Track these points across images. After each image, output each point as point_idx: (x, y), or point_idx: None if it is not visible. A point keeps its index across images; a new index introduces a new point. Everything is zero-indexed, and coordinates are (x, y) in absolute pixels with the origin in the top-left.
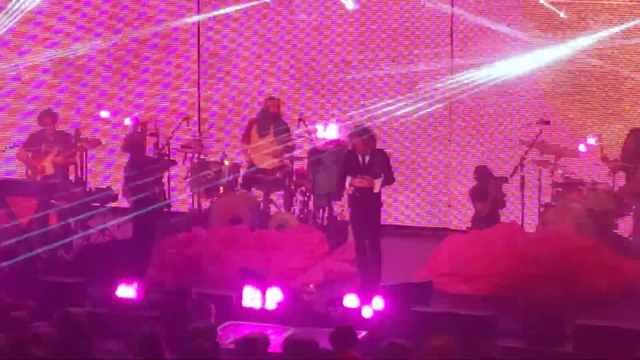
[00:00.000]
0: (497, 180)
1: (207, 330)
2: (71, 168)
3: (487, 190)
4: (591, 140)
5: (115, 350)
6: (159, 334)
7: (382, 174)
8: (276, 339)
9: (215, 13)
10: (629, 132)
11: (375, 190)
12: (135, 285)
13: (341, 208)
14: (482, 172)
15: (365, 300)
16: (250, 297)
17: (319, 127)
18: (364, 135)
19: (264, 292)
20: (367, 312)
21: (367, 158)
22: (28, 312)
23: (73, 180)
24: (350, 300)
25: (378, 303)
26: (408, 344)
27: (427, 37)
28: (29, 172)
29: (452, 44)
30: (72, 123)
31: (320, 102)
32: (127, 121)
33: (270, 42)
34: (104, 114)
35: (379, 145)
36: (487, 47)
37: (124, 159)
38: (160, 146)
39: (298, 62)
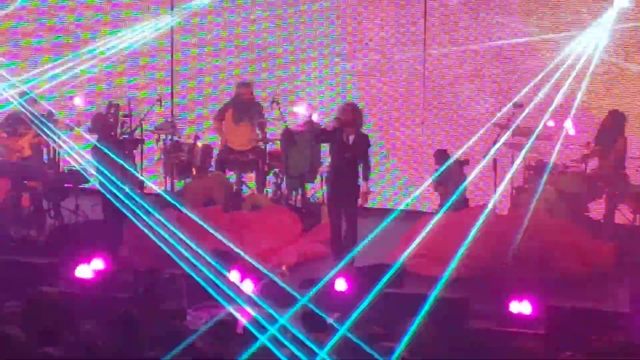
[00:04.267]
0: (457, 163)
1: (178, 312)
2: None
3: (448, 174)
4: (568, 124)
5: (89, 330)
6: (136, 314)
7: (361, 159)
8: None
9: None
10: (608, 113)
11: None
12: (107, 266)
13: (313, 190)
14: (441, 156)
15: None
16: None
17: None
18: (356, 109)
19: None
20: (338, 294)
21: (351, 138)
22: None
23: (46, 162)
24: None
25: (343, 284)
26: (380, 329)
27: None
28: (4, 152)
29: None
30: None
31: (292, 84)
32: (77, 101)
33: (242, 23)
34: (77, 101)
35: None
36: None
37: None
38: (130, 127)
39: (268, 42)
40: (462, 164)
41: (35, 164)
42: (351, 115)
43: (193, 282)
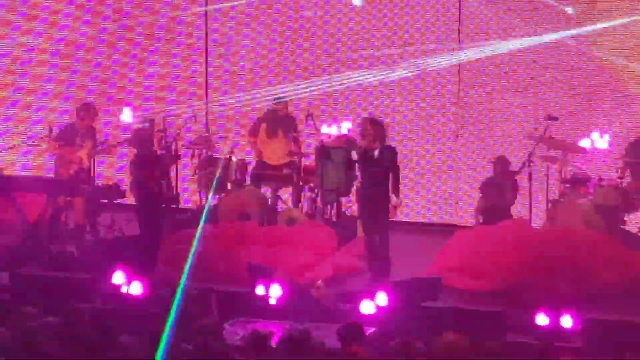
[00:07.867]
0: (509, 171)
1: (211, 328)
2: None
3: (497, 180)
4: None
5: (128, 345)
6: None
7: (390, 172)
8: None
9: (223, 5)
10: None
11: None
12: (143, 281)
13: (349, 204)
14: (499, 161)
15: (373, 296)
16: (262, 293)
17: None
18: (376, 123)
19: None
20: (374, 309)
21: (376, 152)
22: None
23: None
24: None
25: (383, 299)
26: (419, 343)
27: (434, 28)
28: (58, 163)
29: (459, 35)
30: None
31: (327, 99)
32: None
33: (277, 38)
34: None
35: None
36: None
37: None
38: (166, 142)
39: (304, 57)
40: (514, 173)
41: (68, 179)
42: (371, 131)
43: (225, 297)
